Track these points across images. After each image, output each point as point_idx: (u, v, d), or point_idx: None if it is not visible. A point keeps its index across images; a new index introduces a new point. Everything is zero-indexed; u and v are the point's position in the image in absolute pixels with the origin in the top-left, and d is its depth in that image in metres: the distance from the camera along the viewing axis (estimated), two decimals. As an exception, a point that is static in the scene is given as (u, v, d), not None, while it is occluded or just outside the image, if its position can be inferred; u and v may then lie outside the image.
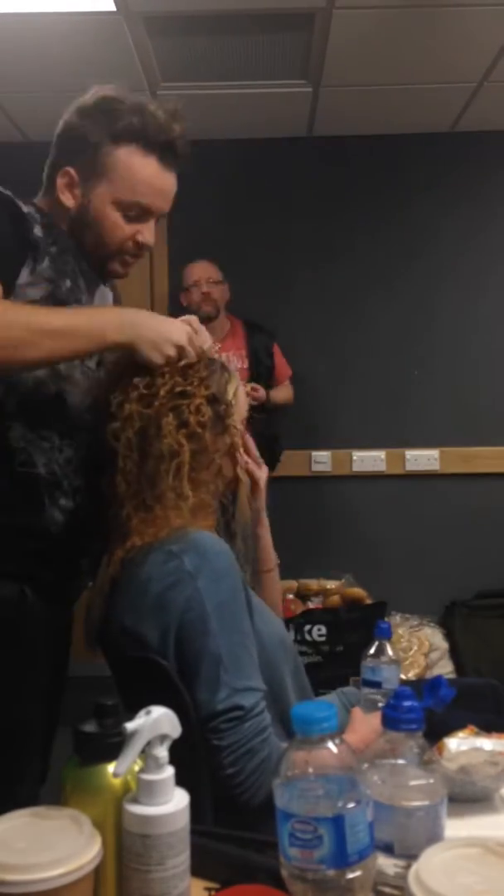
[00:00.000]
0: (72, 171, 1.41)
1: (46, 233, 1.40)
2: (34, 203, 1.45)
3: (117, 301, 1.61)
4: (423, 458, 4.04)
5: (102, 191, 1.40)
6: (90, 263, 1.47)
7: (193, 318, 1.40)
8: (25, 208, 1.40)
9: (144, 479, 1.29)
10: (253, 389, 3.33)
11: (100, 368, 1.50)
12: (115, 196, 1.39)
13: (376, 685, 1.46)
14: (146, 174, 1.40)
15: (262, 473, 1.54)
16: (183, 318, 1.39)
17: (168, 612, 1.22)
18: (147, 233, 1.44)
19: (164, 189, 1.43)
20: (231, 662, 1.19)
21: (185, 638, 1.21)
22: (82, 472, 1.43)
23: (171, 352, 1.30)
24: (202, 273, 3.67)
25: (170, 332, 1.31)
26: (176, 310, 3.91)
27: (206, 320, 3.70)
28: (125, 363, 1.35)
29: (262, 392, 3.51)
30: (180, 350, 1.31)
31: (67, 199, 1.42)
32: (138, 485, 1.29)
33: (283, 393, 3.84)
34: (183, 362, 1.33)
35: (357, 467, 4.06)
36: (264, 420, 3.34)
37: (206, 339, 1.37)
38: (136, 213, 1.42)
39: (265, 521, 1.59)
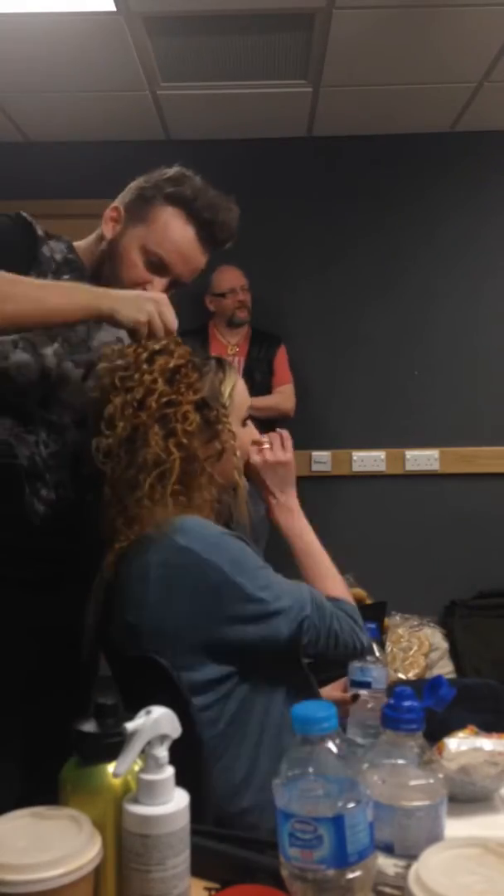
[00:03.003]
0: (121, 208, 1.56)
1: (62, 262, 1.51)
2: (66, 240, 1.57)
3: None
4: (423, 458, 4.04)
5: (137, 233, 1.53)
6: None
7: (162, 295, 1.44)
8: (40, 231, 1.50)
9: (125, 485, 1.28)
10: None
11: (89, 379, 1.51)
12: (144, 241, 1.52)
13: (366, 685, 1.46)
14: (179, 237, 1.52)
15: (270, 455, 1.55)
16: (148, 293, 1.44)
17: (180, 588, 1.22)
18: (157, 286, 1.53)
19: (189, 257, 1.54)
20: (271, 594, 1.25)
21: (214, 607, 1.22)
22: (67, 466, 1.46)
23: (144, 317, 1.35)
24: (237, 281, 3.71)
25: (143, 300, 1.39)
26: (178, 310, 3.91)
27: (241, 325, 3.72)
28: (117, 375, 1.34)
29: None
30: (150, 320, 1.35)
31: (107, 231, 1.56)
32: (120, 492, 1.29)
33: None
34: (150, 341, 1.35)
35: (357, 467, 4.06)
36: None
37: (171, 319, 1.40)
38: (156, 264, 1.52)
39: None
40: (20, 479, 1.43)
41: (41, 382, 1.44)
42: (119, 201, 1.58)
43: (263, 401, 3.71)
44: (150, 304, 1.37)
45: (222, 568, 1.22)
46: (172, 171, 1.57)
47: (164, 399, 1.30)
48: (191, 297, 3.86)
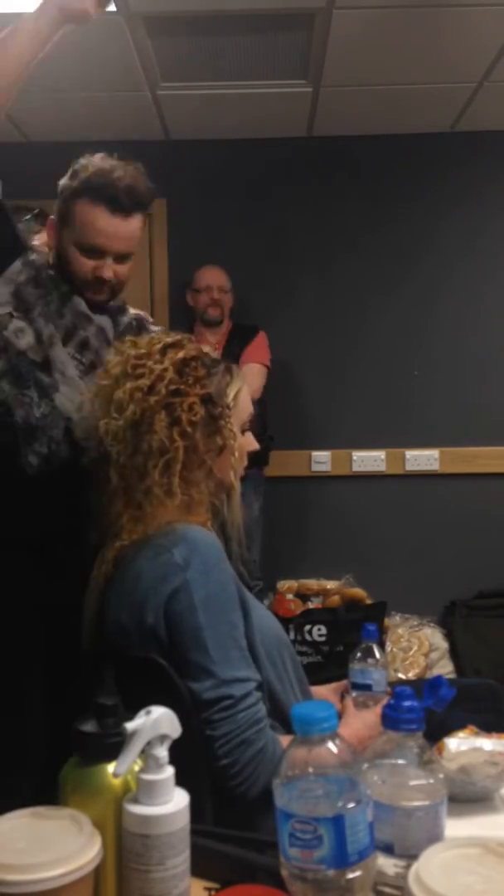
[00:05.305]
0: (53, 219, 1.74)
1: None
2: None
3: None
4: (423, 458, 4.04)
5: (67, 234, 1.69)
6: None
7: None
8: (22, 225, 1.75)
9: (134, 473, 1.31)
10: None
11: (93, 372, 1.59)
12: (74, 239, 1.68)
13: (366, 688, 1.45)
14: (96, 223, 1.66)
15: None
16: None
17: (157, 604, 1.24)
18: (106, 269, 1.68)
19: (114, 233, 1.66)
20: (218, 654, 1.21)
21: (174, 629, 1.23)
22: (59, 425, 1.57)
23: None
24: (214, 280, 3.72)
25: None
26: (177, 310, 3.92)
27: (213, 324, 3.71)
28: (129, 363, 1.37)
29: None
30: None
31: (50, 240, 1.76)
32: (128, 479, 1.31)
33: None
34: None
35: (357, 467, 4.05)
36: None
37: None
38: (91, 252, 1.67)
39: None
40: (15, 435, 1.57)
41: (38, 345, 1.60)
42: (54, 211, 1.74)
43: None
44: None
45: (193, 598, 1.23)
46: (71, 167, 1.72)
47: (173, 387, 1.33)
48: (174, 297, 3.87)
